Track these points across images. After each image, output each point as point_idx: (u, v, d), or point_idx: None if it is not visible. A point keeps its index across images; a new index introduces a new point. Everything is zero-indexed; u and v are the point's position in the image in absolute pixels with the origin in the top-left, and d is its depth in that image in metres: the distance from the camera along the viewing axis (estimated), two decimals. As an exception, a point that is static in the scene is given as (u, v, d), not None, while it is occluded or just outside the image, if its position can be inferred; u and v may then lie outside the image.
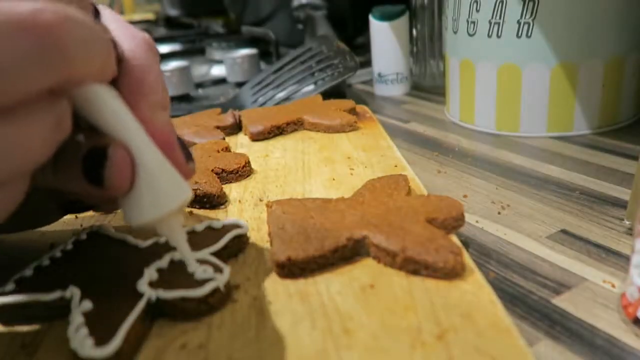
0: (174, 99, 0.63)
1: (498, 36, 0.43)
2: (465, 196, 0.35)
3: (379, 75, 0.60)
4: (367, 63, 0.66)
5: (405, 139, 0.46)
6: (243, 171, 0.36)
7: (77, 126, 0.20)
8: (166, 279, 0.23)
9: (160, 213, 0.21)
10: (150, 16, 1.42)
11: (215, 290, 0.22)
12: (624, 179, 0.35)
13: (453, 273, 0.23)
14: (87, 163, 0.20)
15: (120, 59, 0.22)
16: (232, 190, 0.34)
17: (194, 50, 0.86)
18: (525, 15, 0.41)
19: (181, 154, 0.23)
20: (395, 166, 0.36)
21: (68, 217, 0.33)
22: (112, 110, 0.20)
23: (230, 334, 0.21)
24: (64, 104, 0.18)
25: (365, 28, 0.80)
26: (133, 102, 0.22)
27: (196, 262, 0.23)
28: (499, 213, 0.32)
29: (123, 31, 0.23)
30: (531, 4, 0.40)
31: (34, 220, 0.28)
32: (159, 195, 0.21)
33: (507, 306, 0.24)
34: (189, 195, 0.22)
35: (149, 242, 0.26)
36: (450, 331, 0.20)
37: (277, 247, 0.25)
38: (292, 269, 0.24)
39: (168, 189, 0.21)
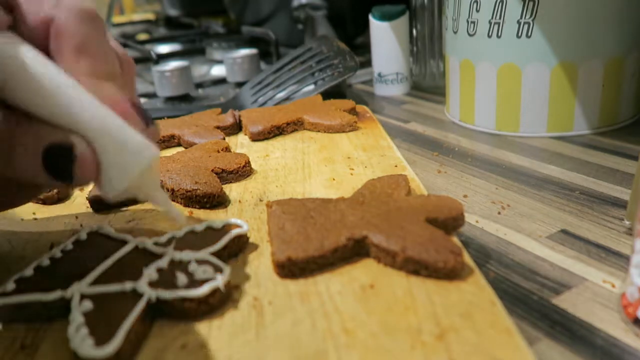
0: (174, 99, 0.63)
1: (498, 36, 0.43)
2: (465, 196, 0.35)
3: (379, 75, 0.60)
4: (367, 63, 0.66)
5: (405, 139, 0.46)
6: (243, 171, 0.36)
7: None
8: (166, 279, 0.23)
9: (128, 180, 0.21)
10: (150, 16, 1.42)
11: (215, 290, 0.22)
12: (624, 179, 0.35)
13: (453, 273, 0.23)
14: (50, 161, 0.20)
15: (57, 34, 0.21)
16: (232, 190, 0.34)
17: (194, 50, 0.86)
18: (525, 15, 0.41)
19: (139, 122, 0.22)
20: (395, 166, 0.36)
21: (68, 217, 0.33)
22: (59, 89, 0.20)
23: (230, 334, 0.21)
24: None
25: (365, 28, 0.80)
26: (76, 75, 0.21)
27: (184, 216, 0.24)
28: (499, 213, 0.32)
29: (56, 2, 0.22)
30: (531, 4, 0.40)
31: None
32: (125, 163, 0.21)
33: (507, 306, 0.24)
34: (154, 153, 0.22)
35: (149, 242, 0.26)
36: (450, 331, 0.20)
37: (277, 247, 0.25)
38: (292, 269, 0.24)
39: (132, 153, 0.21)
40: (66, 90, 0.21)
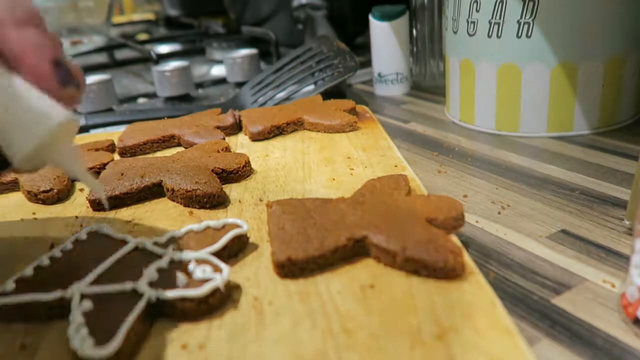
0: (174, 99, 0.63)
1: (498, 36, 0.43)
2: (465, 196, 0.35)
3: (379, 75, 0.60)
4: (367, 63, 0.66)
5: (405, 139, 0.46)
6: (243, 171, 0.36)
7: None
8: (166, 279, 0.23)
9: (31, 144, 0.20)
10: (150, 16, 1.42)
11: (215, 290, 0.22)
12: (624, 179, 0.35)
13: (453, 273, 0.23)
14: None
15: None
16: (232, 190, 0.34)
17: (194, 50, 0.86)
18: (525, 15, 0.41)
19: (51, 78, 0.21)
20: (395, 166, 0.36)
21: (68, 217, 0.33)
22: None
23: (230, 334, 0.21)
24: None
25: (365, 28, 0.80)
26: None
27: (96, 182, 0.23)
28: (499, 213, 0.32)
29: None
30: (531, 4, 0.40)
31: None
32: (28, 126, 0.20)
33: (507, 306, 0.24)
34: (61, 118, 0.21)
35: (149, 242, 0.26)
36: (450, 331, 0.20)
37: (277, 247, 0.25)
38: (292, 269, 0.24)
39: (37, 116, 0.20)
40: None
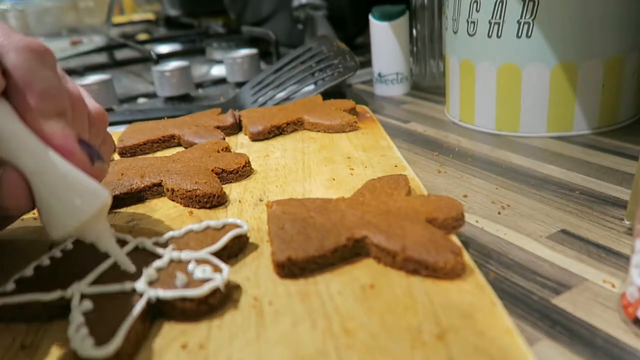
0: (174, 99, 0.63)
1: (498, 36, 0.43)
2: (465, 196, 0.35)
3: (379, 75, 0.60)
4: (367, 63, 0.66)
5: (405, 139, 0.46)
6: (243, 171, 0.36)
7: None
8: (166, 279, 0.23)
9: (74, 223, 0.21)
10: (150, 16, 1.42)
11: (215, 290, 0.22)
12: (624, 179, 0.35)
13: (453, 273, 0.23)
14: None
15: (4, 71, 0.22)
16: (232, 190, 0.34)
17: (194, 50, 0.86)
18: (525, 15, 0.41)
19: (83, 157, 0.23)
20: (395, 166, 0.36)
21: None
22: (1, 126, 0.21)
23: (230, 334, 0.21)
24: None
25: (365, 28, 0.80)
26: (22, 114, 0.22)
27: (131, 263, 0.24)
28: (499, 213, 0.32)
29: (5, 40, 0.22)
30: (531, 4, 0.40)
31: None
32: (69, 206, 0.21)
33: (507, 306, 0.24)
34: (104, 199, 0.22)
35: (149, 242, 0.26)
36: (450, 331, 0.20)
37: (277, 247, 0.25)
38: (292, 269, 0.24)
39: (78, 197, 0.21)
40: (5, 125, 0.21)
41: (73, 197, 0.21)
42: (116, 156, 0.42)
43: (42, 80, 0.23)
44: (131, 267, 0.23)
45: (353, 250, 0.25)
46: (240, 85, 0.66)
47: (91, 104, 0.28)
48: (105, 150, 0.29)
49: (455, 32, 0.47)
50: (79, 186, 0.22)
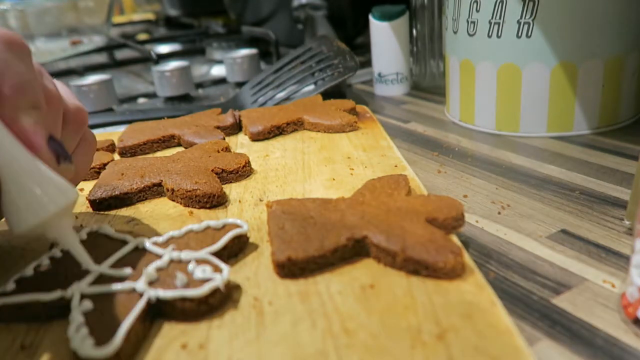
0: (174, 99, 0.63)
1: (498, 36, 0.43)
2: (465, 196, 0.35)
3: (379, 75, 0.60)
4: (367, 63, 0.66)
5: (405, 139, 0.46)
6: (243, 171, 0.36)
7: None
8: (166, 278, 0.23)
9: (37, 219, 0.21)
10: (150, 16, 1.42)
11: (215, 290, 0.22)
12: (624, 179, 0.35)
13: (453, 273, 0.23)
14: None
15: None
16: (232, 190, 0.34)
17: (194, 50, 0.86)
18: (525, 15, 0.41)
19: (49, 156, 0.23)
20: (395, 166, 0.36)
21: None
22: None
23: (230, 334, 0.21)
24: None
25: (365, 28, 0.80)
26: None
27: (93, 263, 0.24)
28: (499, 213, 0.32)
29: None
30: (531, 4, 0.40)
31: None
32: (33, 202, 0.21)
33: (507, 306, 0.24)
34: (70, 197, 0.22)
35: (149, 242, 0.26)
36: (450, 331, 0.20)
37: (277, 247, 0.25)
38: (292, 269, 0.24)
39: (43, 194, 0.21)
40: None
41: (38, 193, 0.21)
42: (116, 156, 0.42)
43: (16, 73, 0.22)
44: (93, 266, 0.24)
45: (353, 250, 0.25)
46: (240, 85, 0.66)
47: (71, 102, 0.27)
48: (84, 148, 0.29)
49: (455, 32, 0.47)
50: (45, 183, 0.21)
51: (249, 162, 0.36)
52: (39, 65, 0.25)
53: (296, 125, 0.44)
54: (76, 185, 0.29)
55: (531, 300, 0.24)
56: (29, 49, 0.24)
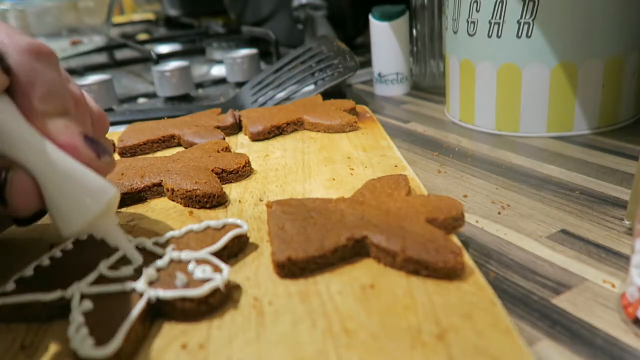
0: (174, 99, 0.63)
1: (498, 36, 0.43)
2: (465, 196, 0.35)
3: (379, 75, 0.60)
4: (367, 63, 0.66)
5: (405, 139, 0.46)
6: (243, 171, 0.36)
7: None
8: (166, 278, 0.23)
9: (84, 221, 0.21)
10: (150, 16, 1.42)
11: (215, 290, 0.22)
12: (624, 179, 0.35)
13: (453, 273, 0.23)
14: None
15: (8, 70, 0.22)
16: (232, 190, 0.34)
17: (194, 50, 0.86)
18: (525, 15, 0.41)
19: (89, 153, 0.23)
20: (395, 166, 0.36)
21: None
22: (6, 126, 0.21)
23: (230, 334, 0.21)
24: None
25: (365, 28, 0.80)
26: (27, 113, 0.22)
27: (140, 255, 0.24)
28: (499, 213, 0.32)
29: (8, 40, 0.23)
30: (531, 4, 0.40)
31: None
32: (78, 204, 0.21)
33: (507, 306, 0.24)
34: (111, 195, 0.22)
35: (149, 242, 0.26)
36: (450, 331, 0.20)
37: (277, 247, 0.25)
38: (292, 269, 0.24)
39: (86, 195, 0.22)
40: (11, 126, 0.21)
41: (81, 195, 0.22)
42: (116, 156, 0.42)
43: (45, 81, 0.23)
44: (139, 259, 0.24)
45: (353, 250, 0.25)
46: (240, 85, 0.66)
47: (94, 106, 0.28)
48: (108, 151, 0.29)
49: (455, 32, 0.47)
50: (87, 184, 0.22)
51: (249, 162, 0.36)
52: (65, 71, 0.25)
53: (296, 125, 0.44)
54: None
55: (531, 300, 0.24)
56: (57, 57, 0.24)
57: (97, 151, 0.23)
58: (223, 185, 0.34)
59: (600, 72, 0.41)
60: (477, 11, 0.43)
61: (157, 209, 0.33)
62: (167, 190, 0.33)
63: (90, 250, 0.26)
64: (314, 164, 0.37)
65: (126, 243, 0.24)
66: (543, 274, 0.26)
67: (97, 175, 0.23)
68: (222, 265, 0.24)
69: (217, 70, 0.77)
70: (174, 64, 0.63)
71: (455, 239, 0.26)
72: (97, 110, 0.28)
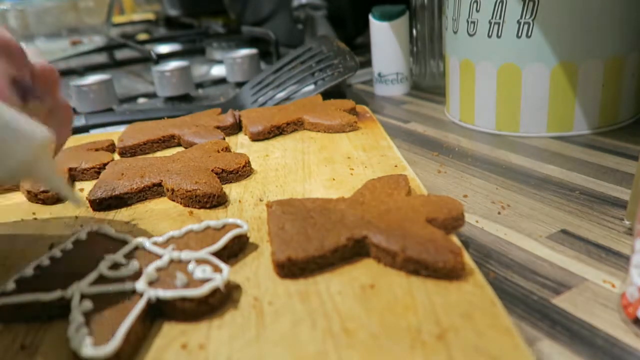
0: (174, 99, 0.63)
1: (498, 36, 0.43)
2: (465, 196, 0.35)
3: (379, 75, 0.60)
4: (367, 63, 0.66)
5: (405, 139, 0.46)
6: (243, 171, 0.36)
7: None
8: (166, 278, 0.23)
9: (10, 165, 0.21)
10: (150, 16, 1.42)
11: (215, 290, 0.22)
12: (624, 179, 0.35)
13: (453, 273, 0.23)
14: None
15: None
16: (232, 190, 0.34)
17: (194, 50, 0.86)
18: (525, 15, 0.41)
19: (11, 96, 0.22)
20: (395, 166, 0.36)
21: (68, 217, 0.33)
22: None
23: (230, 334, 0.21)
24: None
25: (365, 28, 0.80)
26: None
27: (77, 196, 0.24)
28: (499, 213, 0.32)
29: None
30: (531, 4, 0.40)
31: None
32: (7, 148, 0.21)
33: (507, 306, 0.24)
34: (39, 140, 0.22)
35: (149, 242, 0.26)
36: (450, 331, 0.20)
37: (277, 247, 0.25)
38: (292, 269, 0.24)
39: (12, 139, 0.21)
40: None
41: (8, 140, 0.21)
42: (116, 156, 0.42)
43: None
44: (82, 204, 0.24)
45: (353, 250, 0.25)
46: (240, 85, 0.66)
47: (38, 61, 0.26)
48: (59, 114, 0.28)
49: (455, 32, 0.47)
50: (15, 128, 0.21)
51: (249, 162, 0.36)
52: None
53: (296, 125, 0.44)
54: (55, 154, 0.28)
55: (531, 300, 0.24)
56: None
57: (24, 93, 0.23)
58: (223, 185, 0.34)
59: (600, 72, 0.41)
60: (477, 11, 0.43)
61: (157, 209, 0.33)
62: (167, 190, 0.33)
63: (90, 250, 0.26)
64: (314, 164, 0.37)
65: (64, 187, 0.23)
66: (543, 274, 0.26)
67: (29, 120, 0.22)
68: (222, 265, 0.24)
69: (217, 70, 0.77)
70: (174, 64, 0.63)
71: (455, 239, 0.26)
72: (41, 64, 0.26)
